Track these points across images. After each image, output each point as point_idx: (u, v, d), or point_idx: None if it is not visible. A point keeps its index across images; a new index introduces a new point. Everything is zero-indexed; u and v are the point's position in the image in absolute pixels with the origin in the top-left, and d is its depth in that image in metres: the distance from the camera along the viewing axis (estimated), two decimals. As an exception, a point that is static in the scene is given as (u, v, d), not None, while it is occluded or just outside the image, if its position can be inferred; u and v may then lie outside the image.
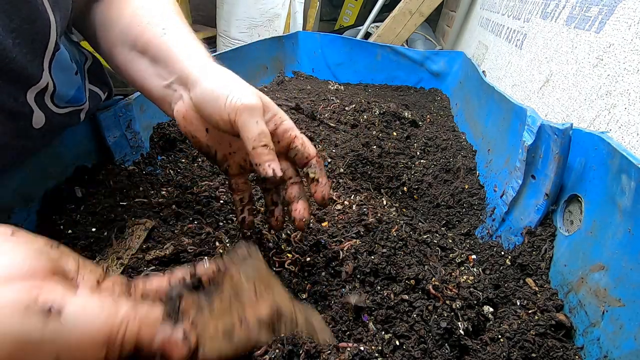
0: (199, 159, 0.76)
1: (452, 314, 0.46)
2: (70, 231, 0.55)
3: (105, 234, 0.55)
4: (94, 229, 0.55)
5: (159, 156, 0.76)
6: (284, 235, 0.53)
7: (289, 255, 0.49)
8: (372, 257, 0.49)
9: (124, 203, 0.60)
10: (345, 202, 0.63)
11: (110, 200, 0.59)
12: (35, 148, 0.52)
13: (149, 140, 0.76)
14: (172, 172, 0.71)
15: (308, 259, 0.49)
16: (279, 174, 0.38)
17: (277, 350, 0.39)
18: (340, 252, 0.50)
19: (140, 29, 0.48)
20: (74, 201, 0.58)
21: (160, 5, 0.52)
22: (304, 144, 0.44)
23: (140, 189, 0.64)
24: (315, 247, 0.51)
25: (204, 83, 0.42)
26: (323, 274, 0.48)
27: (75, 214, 0.56)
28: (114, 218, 0.57)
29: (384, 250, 0.51)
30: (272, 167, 0.38)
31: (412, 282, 0.48)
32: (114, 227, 0.55)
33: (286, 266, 0.48)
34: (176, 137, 0.78)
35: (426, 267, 0.52)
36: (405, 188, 0.81)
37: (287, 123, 0.44)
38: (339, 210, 0.61)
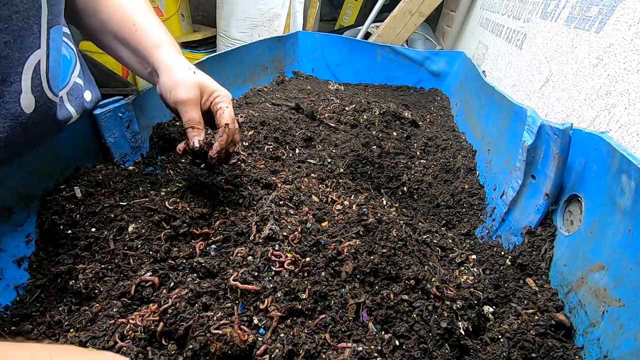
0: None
1: (452, 314, 0.46)
2: (70, 231, 0.55)
3: (105, 234, 0.55)
4: (93, 229, 0.55)
5: (159, 156, 0.76)
6: (284, 235, 0.53)
7: (289, 255, 0.49)
8: (372, 257, 0.49)
9: (124, 203, 0.60)
10: (345, 202, 0.63)
11: (110, 200, 0.59)
12: (28, 139, 0.50)
13: (148, 140, 0.76)
14: (172, 172, 0.71)
15: (308, 259, 0.49)
16: (197, 145, 0.56)
17: (277, 350, 0.39)
18: (340, 252, 0.50)
19: (117, 25, 0.61)
20: (74, 201, 0.58)
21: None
22: (221, 115, 0.59)
23: (140, 189, 0.64)
24: (315, 247, 0.51)
25: (162, 78, 0.58)
26: (323, 274, 0.48)
27: (75, 214, 0.56)
28: (114, 218, 0.57)
29: (384, 250, 0.51)
30: (193, 141, 0.56)
31: (412, 282, 0.48)
32: (114, 227, 0.55)
33: (286, 266, 0.48)
34: (176, 137, 0.78)
35: (426, 267, 0.52)
36: (405, 188, 0.81)
37: (219, 99, 0.60)
38: (339, 210, 0.61)
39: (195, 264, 0.50)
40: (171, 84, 0.57)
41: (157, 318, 0.42)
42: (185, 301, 0.43)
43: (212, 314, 0.42)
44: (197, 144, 0.56)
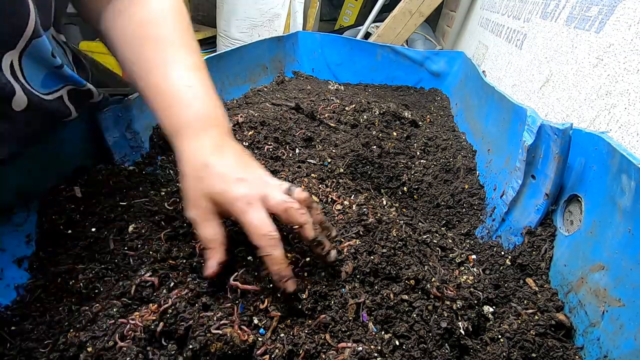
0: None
1: (452, 314, 0.46)
2: (70, 231, 0.55)
3: (105, 234, 0.55)
4: (93, 229, 0.55)
5: (158, 156, 0.76)
6: (283, 235, 0.53)
7: (289, 255, 0.49)
8: (372, 257, 0.49)
9: (124, 203, 0.60)
10: (345, 202, 0.63)
11: (110, 200, 0.59)
12: (20, 136, 0.49)
13: (148, 141, 0.76)
14: (172, 172, 0.71)
15: (308, 259, 0.49)
16: (209, 273, 0.45)
17: (277, 350, 0.39)
18: (340, 252, 0.50)
19: (143, 65, 0.51)
20: (74, 201, 0.58)
21: (166, 29, 0.53)
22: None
23: (140, 189, 0.64)
24: (315, 247, 0.51)
25: (184, 169, 0.47)
26: (323, 274, 0.48)
27: (75, 214, 0.56)
28: (114, 218, 0.57)
29: (384, 250, 0.51)
30: (207, 267, 0.45)
31: (412, 282, 0.48)
32: (114, 227, 0.55)
33: (286, 266, 0.48)
34: (176, 137, 0.78)
35: (426, 267, 0.52)
36: (405, 188, 0.81)
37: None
38: (339, 210, 0.61)
39: (195, 264, 0.50)
40: (183, 188, 0.47)
41: (157, 318, 0.42)
42: (185, 301, 0.43)
43: (212, 314, 0.42)
44: (209, 272, 0.45)
